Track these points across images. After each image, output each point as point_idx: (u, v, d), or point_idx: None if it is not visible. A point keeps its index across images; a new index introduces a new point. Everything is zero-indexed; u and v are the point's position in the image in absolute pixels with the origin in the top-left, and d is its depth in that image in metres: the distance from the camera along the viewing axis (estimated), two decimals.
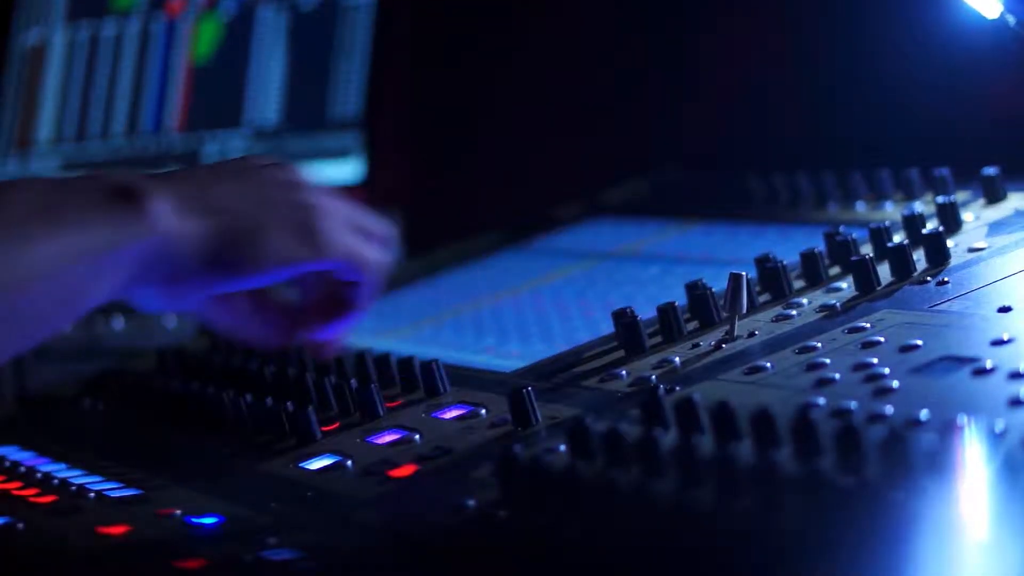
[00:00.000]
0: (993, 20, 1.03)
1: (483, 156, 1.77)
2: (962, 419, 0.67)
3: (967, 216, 1.03)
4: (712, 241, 1.22)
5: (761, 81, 1.53)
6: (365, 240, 0.89)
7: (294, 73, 1.64)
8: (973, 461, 0.64)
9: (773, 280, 0.96)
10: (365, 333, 1.15)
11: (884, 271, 0.93)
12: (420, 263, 1.37)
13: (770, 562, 0.60)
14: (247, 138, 1.65)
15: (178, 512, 0.82)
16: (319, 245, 0.87)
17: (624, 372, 0.89)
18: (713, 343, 0.90)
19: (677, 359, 0.89)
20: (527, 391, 0.84)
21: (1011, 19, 1.02)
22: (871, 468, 0.63)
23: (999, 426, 0.65)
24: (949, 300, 0.87)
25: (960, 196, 1.06)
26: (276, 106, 1.64)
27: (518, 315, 1.13)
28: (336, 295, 0.91)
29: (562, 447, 0.76)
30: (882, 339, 0.82)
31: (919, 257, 0.94)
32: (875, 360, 0.79)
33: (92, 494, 0.88)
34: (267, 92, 1.65)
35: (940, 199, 1.02)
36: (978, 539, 0.59)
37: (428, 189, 1.76)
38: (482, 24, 1.76)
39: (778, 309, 0.93)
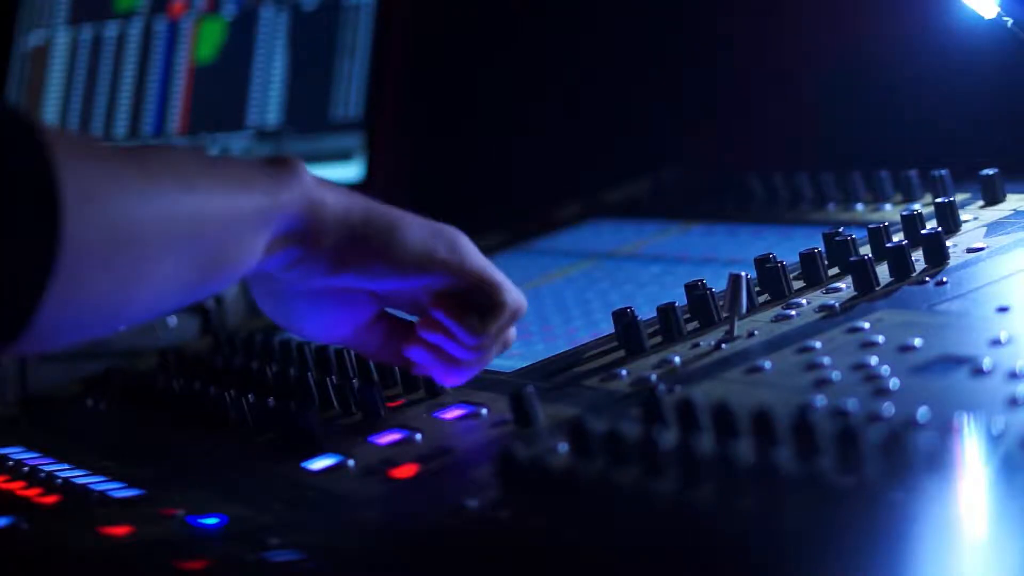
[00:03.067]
0: (991, 21, 1.03)
1: (483, 156, 1.77)
2: (960, 419, 0.68)
3: (966, 216, 1.03)
4: (712, 241, 1.22)
5: (761, 81, 1.53)
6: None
7: (296, 74, 1.64)
8: (971, 461, 0.64)
9: (773, 280, 0.96)
10: None
11: (883, 271, 0.93)
12: None
13: (770, 562, 0.61)
14: (249, 139, 1.65)
15: (180, 512, 0.82)
16: (458, 252, 0.87)
17: (624, 372, 0.89)
18: (713, 343, 0.90)
19: (677, 359, 0.89)
20: (528, 391, 0.85)
21: (1008, 21, 1.02)
22: (870, 468, 0.63)
23: (997, 426, 0.66)
24: (948, 300, 0.87)
25: (959, 197, 1.07)
26: (278, 107, 1.64)
27: None
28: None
29: (562, 447, 0.76)
30: (881, 339, 0.82)
31: (918, 257, 0.95)
32: (874, 360, 0.79)
33: (95, 494, 0.88)
34: (269, 93, 1.65)
35: (939, 199, 1.02)
36: (977, 539, 0.60)
37: (428, 189, 1.76)
38: (482, 24, 1.76)
39: (778, 309, 0.93)
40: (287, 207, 0.82)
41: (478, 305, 0.88)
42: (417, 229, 0.87)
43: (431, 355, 0.90)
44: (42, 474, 0.94)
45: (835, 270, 0.98)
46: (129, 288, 0.75)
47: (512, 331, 0.92)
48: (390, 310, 0.93)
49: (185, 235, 0.76)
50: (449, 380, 0.92)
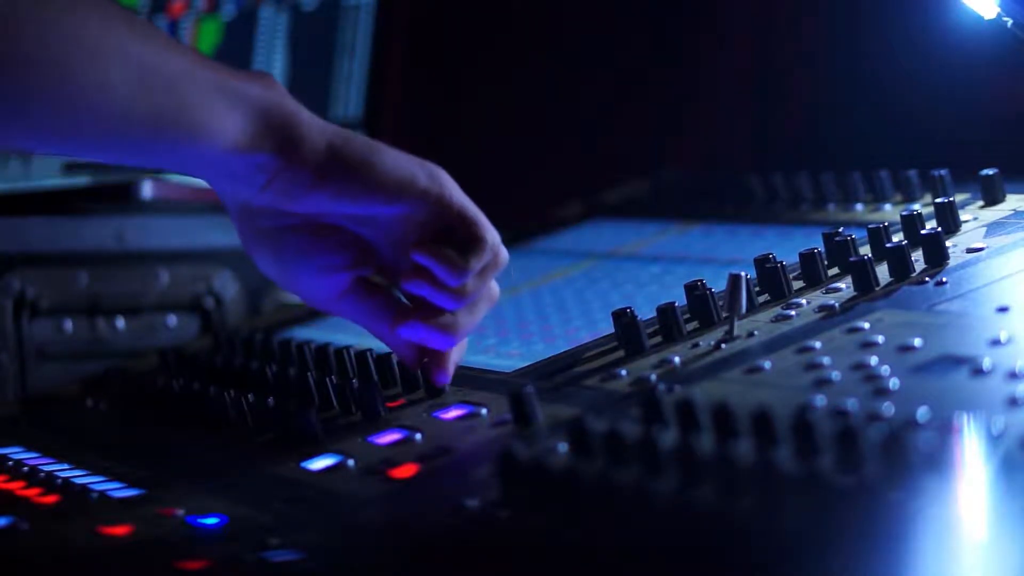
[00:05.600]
0: (991, 21, 1.03)
1: (483, 156, 1.77)
2: (960, 419, 0.68)
3: (965, 217, 1.03)
4: (712, 241, 1.22)
5: (761, 81, 1.54)
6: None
7: (295, 74, 1.64)
8: (971, 461, 0.64)
9: (772, 280, 0.96)
10: (366, 333, 1.15)
11: (883, 271, 0.93)
12: None
13: (770, 562, 0.61)
14: None
15: (180, 512, 0.82)
16: (439, 182, 0.88)
17: (624, 372, 0.89)
18: (713, 343, 0.90)
19: (677, 359, 0.89)
20: (528, 391, 0.85)
21: (1008, 21, 1.02)
22: (870, 468, 0.63)
23: (997, 426, 0.66)
24: (947, 300, 0.87)
25: (959, 197, 1.07)
26: None
27: (519, 315, 1.13)
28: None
29: (562, 447, 0.76)
30: (881, 339, 0.82)
31: (918, 257, 0.95)
32: (874, 360, 0.79)
33: (95, 494, 0.88)
34: None
35: (938, 200, 1.02)
36: (977, 539, 0.60)
37: None
38: (482, 24, 1.76)
39: (777, 309, 0.93)
40: (253, 94, 0.84)
41: (459, 243, 0.89)
42: (397, 155, 0.88)
43: (422, 325, 0.90)
44: (42, 474, 0.94)
45: (835, 270, 0.98)
46: (74, 76, 0.78)
47: (495, 286, 0.92)
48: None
49: (131, 67, 0.79)
50: (443, 342, 0.92)
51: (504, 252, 0.92)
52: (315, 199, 0.87)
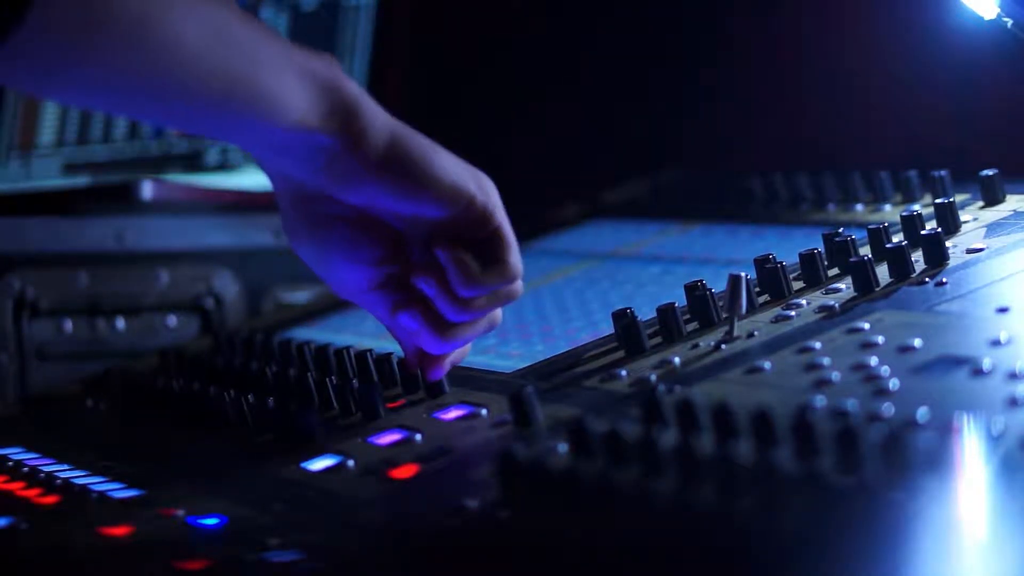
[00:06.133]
0: (991, 21, 1.03)
1: (483, 157, 1.77)
2: (960, 419, 0.68)
3: (965, 217, 1.03)
4: (712, 241, 1.22)
5: (761, 81, 1.54)
6: None
7: None
8: (971, 461, 0.64)
9: (772, 281, 0.96)
10: (366, 334, 1.15)
11: (883, 272, 0.93)
12: None
13: (769, 562, 0.61)
14: None
15: (180, 512, 0.83)
16: (486, 191, 0.88)
17: (624, 372, 0.89)
18: (713, 344, 0.90)
19: (677, 359, 0.89)
20: (528, 391, 0.85)
21: (1008, 21, 1.02)
22: (870, 468, 0.63)
23: (997, 426, 0.66)
24: (947, 301, 0.87)
25: (958, 197, 1.07)
26: None
27: (519, 315, 1.13)
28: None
29: (562, 447, 0.76)
30: (881, 340, 0.82)
31: (918, 258, 0.95)
32: (874, 361, 0.79)
33: (94, 494, 0.89)
34: None
35: (938, 200, 1.02)
36: (977, 539, 0.60)
37: None
38: (482, 25, 1.76)
39: (777, 310, 0.93)
40: (320, 72, 0.83)
41: (483, 259, 0.89)
42: (452, 157, 0.89)
43: (422, 317, 0.90)
44: (42, 474, 0.94)
45: (835, 271, 0.98)
46: (153, 30, 0.77)
47: (498, 312, 0.92)
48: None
49: (205, 23, 0.79)
50: (434, 344, 0.92)
51: (520, 287, 0.91)
52: (372, 188, 0.86)
